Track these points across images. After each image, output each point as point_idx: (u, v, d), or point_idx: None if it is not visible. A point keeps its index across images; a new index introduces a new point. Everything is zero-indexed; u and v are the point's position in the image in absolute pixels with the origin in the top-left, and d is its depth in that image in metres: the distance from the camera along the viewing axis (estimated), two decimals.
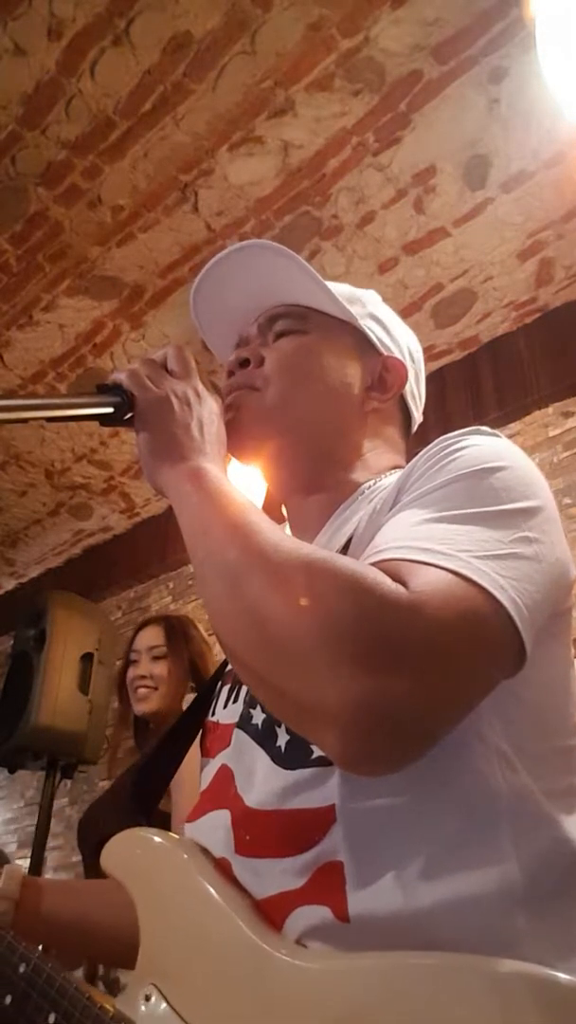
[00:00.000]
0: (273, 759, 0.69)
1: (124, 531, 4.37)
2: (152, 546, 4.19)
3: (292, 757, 0.68)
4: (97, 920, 0.89)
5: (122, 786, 2.00)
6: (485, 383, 3.06)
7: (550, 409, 2.91)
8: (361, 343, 0.94)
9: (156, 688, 2.12)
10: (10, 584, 4.94)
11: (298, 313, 0.93)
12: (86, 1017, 0.66)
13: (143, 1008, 0.67)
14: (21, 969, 0.71)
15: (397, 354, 0.97)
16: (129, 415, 0.80)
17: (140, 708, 2.13)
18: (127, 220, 2.67)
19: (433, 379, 3.30)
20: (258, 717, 0.74)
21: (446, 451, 0.72)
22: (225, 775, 0.75)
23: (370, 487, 0.86)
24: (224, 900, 0.67)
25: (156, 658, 2.16)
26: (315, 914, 0.61)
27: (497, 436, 0.75)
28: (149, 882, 0.74)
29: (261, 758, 0.71)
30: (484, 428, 0.76)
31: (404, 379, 0.96)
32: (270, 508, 0.79)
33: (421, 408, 1.03)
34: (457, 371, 3.16)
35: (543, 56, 1.96)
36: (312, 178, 2.53)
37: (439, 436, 0.74)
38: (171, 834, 0.78)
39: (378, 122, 2.35)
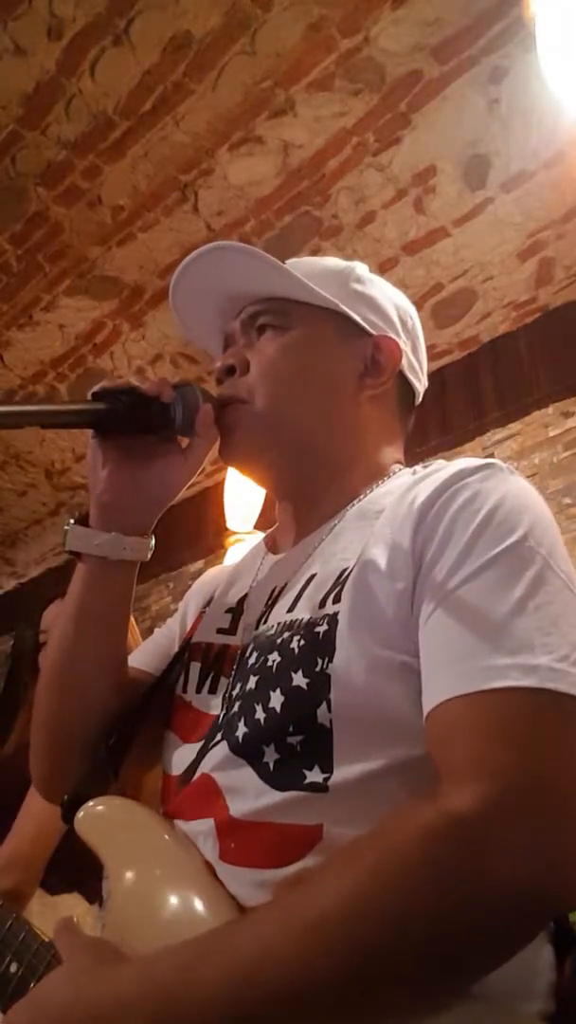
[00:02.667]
0: (261, 777, 0.69)
1: None
2: None
3: (282, 777, 0.68)
4: None
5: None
6: (485, 383, 3.06)
7: (550, 409, 2.91)
8: (347, 327, 0.91)
9: None
10: (10, 584, 4.94)
11: (277, 308, 0.90)
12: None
13: None
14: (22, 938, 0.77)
15: (388, 329, 0.94)
16: (124, 419, 0.80)
17: None
18: (127, 220, 2.67)
19: (433, 379, 3.29)
20: (241, 731, 0.72)
21: (472, 504, 0.70)
22: (209, 786, 0.73)
23: (366, 495, 0.85)
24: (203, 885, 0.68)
25: None
26: None
27: (513, 475, 0.75)
28: (125, 850, 0.75)
29: (248, 775, 0.70)
30: (496, 463, 0.76)
31: (398, 358, 0.92)
32: (269, 510, 0.78)
33: (424, 374, 1.00)
34: (457, 371, 3.15)
35: (543, 56, 1.95)
36: (312, 178, 2.52)
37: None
38: (146, 807, 0.78)
39: (378, 122, 2.35)
